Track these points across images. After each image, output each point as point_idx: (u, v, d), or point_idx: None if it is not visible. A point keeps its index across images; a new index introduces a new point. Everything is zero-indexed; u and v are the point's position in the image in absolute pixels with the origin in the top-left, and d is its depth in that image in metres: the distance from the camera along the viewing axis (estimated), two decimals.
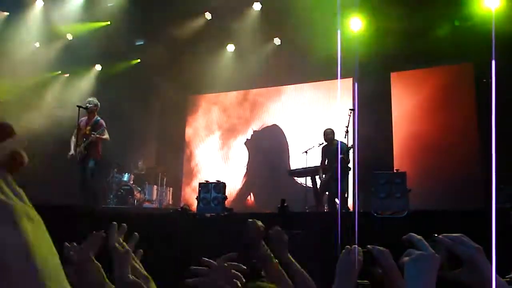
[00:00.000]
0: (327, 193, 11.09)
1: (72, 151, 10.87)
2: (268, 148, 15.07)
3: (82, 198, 10.56)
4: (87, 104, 11.03)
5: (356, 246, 1.74)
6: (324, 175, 10.97)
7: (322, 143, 11.43)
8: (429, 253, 1.43)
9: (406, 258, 1.44)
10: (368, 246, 1.74)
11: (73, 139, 11.01)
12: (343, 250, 1.76)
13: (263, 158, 15.04)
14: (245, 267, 2.07)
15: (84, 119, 11.10)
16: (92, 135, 10.69)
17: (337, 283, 1.73)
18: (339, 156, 10.67)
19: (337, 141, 10.91)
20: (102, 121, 11.02)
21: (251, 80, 14.45)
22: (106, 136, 10.94)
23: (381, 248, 1.75)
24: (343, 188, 10.80)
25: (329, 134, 11.11)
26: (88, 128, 10.93)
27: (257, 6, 13.91)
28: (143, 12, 14.13)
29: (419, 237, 1.48)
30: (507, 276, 4.41)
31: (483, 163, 11.42)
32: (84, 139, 10.80)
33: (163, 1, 13.64)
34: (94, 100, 11.22)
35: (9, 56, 13.94)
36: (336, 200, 10.80)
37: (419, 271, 1.40)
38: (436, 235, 1.53)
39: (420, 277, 1.40)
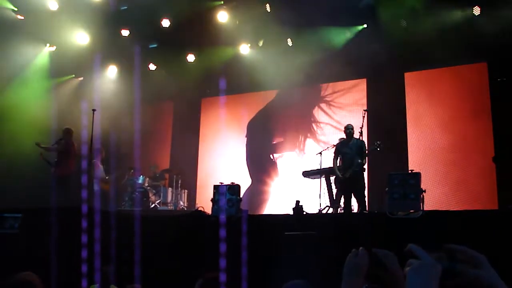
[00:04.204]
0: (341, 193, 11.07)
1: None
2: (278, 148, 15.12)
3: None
4: None
5: (363, 248, 1.76)
6: (342, 174, 10.79)
7: (337, 143, 11.36)
8: (430, 262, 1.43)
9: (408, 268, 1.44)
10: (374, 249, 1.76)
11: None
12: (350, 253, 1.77)
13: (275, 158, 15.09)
14: None
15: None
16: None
17: (344, 285, 1.74)
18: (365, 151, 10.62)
19: (356, 138, 10.81)
20: None
21: (267, 81, 14.41)
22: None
23: (387, 251, 1.76)
24: (363, 187, 10.74)
25: (352, 129, 10.89)
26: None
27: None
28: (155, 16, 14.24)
29: (418, 247, 1.48)
30: None
31: (498, 164, 11.37)
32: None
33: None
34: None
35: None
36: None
37: (420, 280, 1.40)
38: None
39: (422, 287, 1.40)
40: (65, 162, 11.96)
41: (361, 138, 10.82)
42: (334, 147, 11.25)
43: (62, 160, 11.98)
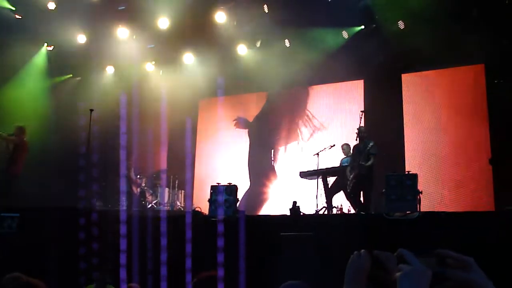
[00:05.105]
0: (342, 192, 11.12)
1: None
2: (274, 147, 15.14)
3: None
4: None
5: (365, 251, 1.76)
6: (351, 175, 10.80)
7: (355, 145, 11.30)
8: (420, 268, 1.44)
9: (398, 273, 1.45)
10: (375, 251, 1.76)
11: None
12: (352, 255, 1.77)
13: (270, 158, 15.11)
14: None
15: None
16: None
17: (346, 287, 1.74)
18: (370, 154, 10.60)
19: (368, 141, 10.79)
20: None
21: (264, 82, 14.41)
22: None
23: (388, 253, 1.77)
24: (369, 189, 10.72)
25: (364, 132, 10.94)
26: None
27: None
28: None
29: (408, 252, 1.49)
30: None
31: (494, 165, 11.39)
32: None
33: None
34: None
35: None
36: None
37: (411, 286, 1.41)
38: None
39: None
40: (15, 161, 11.69)
41: (357, 139, 10.85)
42: (353, 148, 11.29)
43: (12, 159, 11.69)
